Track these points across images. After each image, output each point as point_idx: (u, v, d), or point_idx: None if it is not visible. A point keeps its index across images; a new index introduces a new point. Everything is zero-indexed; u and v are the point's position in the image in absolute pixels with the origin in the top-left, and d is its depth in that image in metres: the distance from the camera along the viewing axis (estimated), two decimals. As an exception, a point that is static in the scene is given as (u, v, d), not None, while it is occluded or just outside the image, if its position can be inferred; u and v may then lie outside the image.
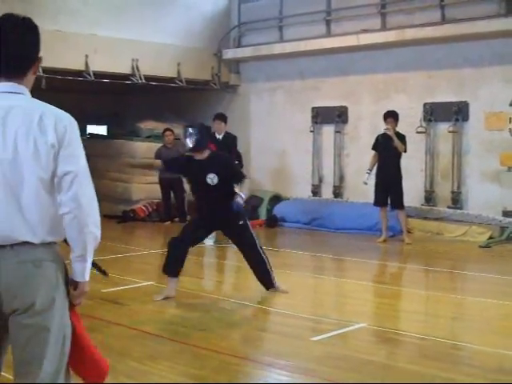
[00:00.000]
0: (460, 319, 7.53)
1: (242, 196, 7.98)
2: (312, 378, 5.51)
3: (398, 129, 12.63)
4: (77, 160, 3.18)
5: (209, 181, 7.76)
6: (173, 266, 8.03)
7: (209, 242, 11.87)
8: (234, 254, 11.46)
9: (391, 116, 12.15)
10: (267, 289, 8.10)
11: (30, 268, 3.14)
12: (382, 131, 12.14)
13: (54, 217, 3.18)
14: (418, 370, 5.55)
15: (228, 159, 8.63)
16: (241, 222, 8.00)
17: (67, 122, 3.21)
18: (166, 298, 7.84)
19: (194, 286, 8.74)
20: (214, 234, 12.15)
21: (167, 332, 6.63)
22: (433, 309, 8.01)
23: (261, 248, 8.14)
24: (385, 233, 12.26)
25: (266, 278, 8.13)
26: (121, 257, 10.88)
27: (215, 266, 10.95)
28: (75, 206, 3.16)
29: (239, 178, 8.18)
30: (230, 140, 12.13)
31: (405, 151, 12.07)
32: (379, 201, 12.18)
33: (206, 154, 7.91)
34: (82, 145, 3.25)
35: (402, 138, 12.08)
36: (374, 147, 12.30)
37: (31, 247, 3.14)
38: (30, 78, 3.38)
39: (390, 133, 11.96)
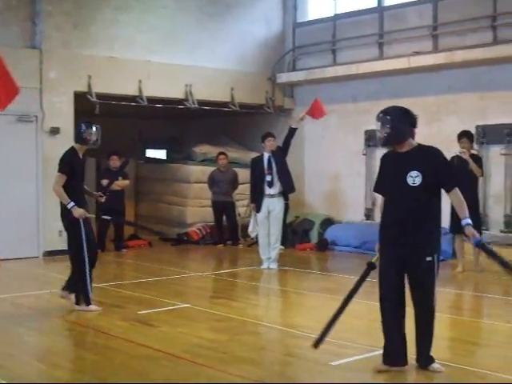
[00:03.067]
0: (486, 345, 7.33)
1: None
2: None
3: (451, 152, 12.39)
4: None
5: (409, 180, 6.00)
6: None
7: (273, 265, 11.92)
8: (271, 275, 11.55)
9: (465, 136, 11.40)
10: (426, 364, 6.07)
11: None
12: (456, 153, 11.33)
13: None
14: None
15: (440, 153, 6.14)
16: (428, 259, 6.01)
17: None
18: None
19: (227, 309, 8.72)
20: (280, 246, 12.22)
21: (189, 354, 6.62)
22: (463, 335, 7.83)
23: (435, 306, 6.09)
24: (461, 262, 11.52)
25: (426, 350, 6.09)
26: (165, 279, 10.98)
27: (253, 289, 10.84)
28: None
29: (455, 182, 6.17)
30: (281, 151, 12.05)
31: (482, 175, 11.43)
32: (455, 228, 11.18)
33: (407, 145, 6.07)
34: None
35: (478, 160, 11.34)
36: None
37: None
38: None
39: (466, 156, 11.11)
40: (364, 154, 14.82)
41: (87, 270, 8.47)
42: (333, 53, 15.67)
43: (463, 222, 5.96)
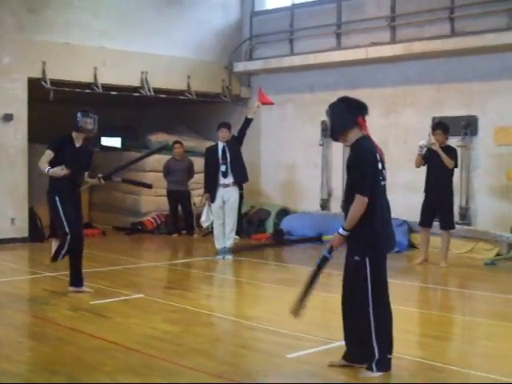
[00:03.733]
0: (446, 339, 7.33)
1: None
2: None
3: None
4: None
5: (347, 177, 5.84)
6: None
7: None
8: (226, 265, 11.47)
9: (439, 128, 11.19)
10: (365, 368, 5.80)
11: None
12: (423, 144, 11.25)
13: None
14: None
15: (359, 150, 5.72)
16: (356, 258, 5.74)
17: None
18: None
19: (182, 300, 8.62)
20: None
21: (143, 346, 6.52)
22: (420, 327, 7.84)
23: (373, 307, 5.69)
24: (425, 255, 11.39)
25: (364, 355, 5.79)
26: (119, 269, 10.83)
27: (207, 279, 10.74)
28: None
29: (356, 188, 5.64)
30: (236, 141, 11.92)
31: (456, 166, 11.23)
32: (426, 221, 11.28)
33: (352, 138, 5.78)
34: None
35: (451, 151, 11.12)
36: (424, 162, 11.28)
37: None
38: None
39: (436, 147, 10.96)
40: (321, 145, 14.79)
41: (67, 242, 8.47)
42: (290, 42, 15.59)
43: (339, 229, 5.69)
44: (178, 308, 8.19)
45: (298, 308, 5.89)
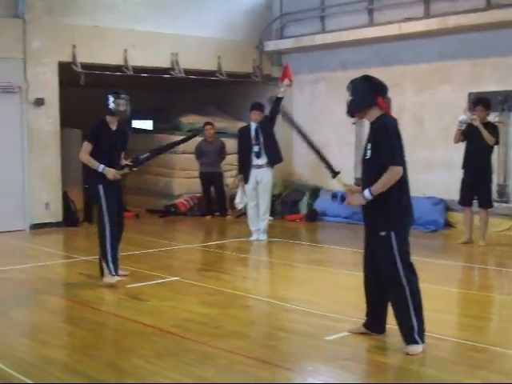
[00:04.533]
0: (486, 319, 7.18)
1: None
2: (317, 379, 5.32)
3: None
4: None
5: (367, 153, 5.90)
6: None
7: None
8: (261, 247, 11.39)
9: (481, 103, 10.88)
10: (407, 343, 5.77)
11: None
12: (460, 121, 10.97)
13: None
14: (432, 374, 5.29)
15: (385, 124, 5.81)
16: (382, 234, 5.81)
17: None
18: None
19: (218, 282, 8.56)
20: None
21: (180, 329, 6.46)
22: (459, 307, 7.70)
23: (407, 282, 5.72)
24: (468, 235, 11.13)
25: (404, 328, 5.78)
26: (153, 251, 10.80)
27: (243, 261, 10.63)
28: None
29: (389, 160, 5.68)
30: (268, 121, 11.74)
31: (496, 143, 10.97)
32: (465, 199, 11.04)
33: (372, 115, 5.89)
34: None
35: (493, 128, 10.87)
36: (464, 138, 10.99)
37: None
38: None
39: (477, 123, 10.67)
40: (353, 123, 14.58)
41: (107, 240, 8.25)
42: (321, 20, 15.36)
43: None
44: (214, 290, 8.12)
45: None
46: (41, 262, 10.11)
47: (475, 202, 11.15)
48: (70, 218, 13.38)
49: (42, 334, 6.55)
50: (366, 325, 6.22)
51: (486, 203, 11.01)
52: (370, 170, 5.83)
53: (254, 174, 11.61)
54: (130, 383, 5.14)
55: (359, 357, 5.74)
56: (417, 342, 5.70)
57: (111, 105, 8.34)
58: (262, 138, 11.54)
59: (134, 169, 8.76)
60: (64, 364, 5.59)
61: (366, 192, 5.72)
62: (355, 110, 5.99)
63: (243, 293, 8.12)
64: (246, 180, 11.70)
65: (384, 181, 5.64)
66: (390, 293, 5.87)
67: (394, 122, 5.86)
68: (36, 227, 12.90)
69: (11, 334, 6.50)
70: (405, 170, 5.79)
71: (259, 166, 11.59)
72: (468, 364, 5.53)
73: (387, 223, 5.77)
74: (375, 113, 5.83)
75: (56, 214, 13.22)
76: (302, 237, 12.90)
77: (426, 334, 5.81)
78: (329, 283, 8.65)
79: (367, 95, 5.84)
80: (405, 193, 5.81)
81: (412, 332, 5.71)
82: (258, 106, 11.75)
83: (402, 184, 5.76)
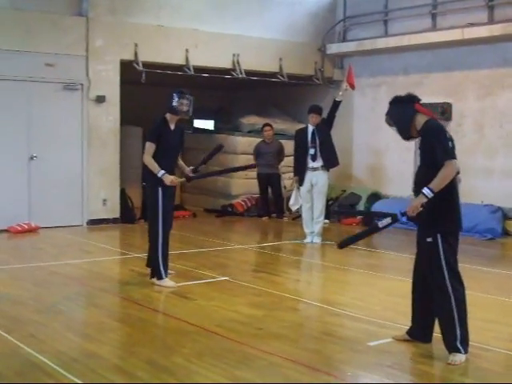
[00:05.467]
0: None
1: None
2: (355, 386, 5.29)
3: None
4: None
5: (419, 159, 5.96)
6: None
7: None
8: (314, 250, 11.34)
9: None
10: (449, 352, 5.67)
11: None
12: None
13: None
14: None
15: (431, 126, 5.75)
16: (429, 240, 5.77)
17: None
18: None
19: (267, 284, 8.54)
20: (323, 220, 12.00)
21: (223, 329, 6.47)
22: (509, 318, 7.53)
23: (453, 290, 5.66)
24: None
25: (448, 337, 5.71)
26: (207, 251, 10.84)
27: (295, 263, 10.63)
28: None
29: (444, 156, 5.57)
30: (325, 124, 11.70)
31: None
32: None
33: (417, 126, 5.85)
34: None
35: None
36: None
37: None
38: None
39: None
40: (415, 128, 14.43)
41: (160, 242, 8.24)
42: (384, 23, 15.27)
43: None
44: (262, 292, 8.11)
45: (345, 243, 6.22)
46: (95, 257, 10.26)
47: None
48: (126, 215, 13.55)
49: (87, 329, 6.65)
50: (409, 332, 6.15)
51: None
52: (422, 175, 5.75)
53: (309, 176, 11.58)
54: (167, 383, 5.15)
55: (400, 364, 5.65)
56: (460, 352, 5.61)
57: (175, 103, 8.16)
58: (318, 141, 11.50)
59: (191, 180, 8.73)
60: (105, 359, 5.63)
61: (425, 190, 5.56)
62: (406, 133, 5.96)
63: (292, 295, 8.10)
64: (301, 182, 11.68)
65: (442, 175, 5.51)
66: (436, 300, 5.80)
67: (440, 125, 5.79)
68: (93, 223, 13.09)
69: (57, 327, 6.58)
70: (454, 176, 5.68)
71: (314, 169, 11.56)
72: (510, 375, 5.42)
73: (434, 229, 5.70)
74: (420, 120, 5.77)
75: (113, 210, 13.40)
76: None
77: (472, 343, 5.73)
78: (380, 289, 8.56)
79: (404, 109, 5.87)
80: (454, 199, 5.74)
81: (455, 341, 5.62)
82: (316, 109, 11.71)
83: (452, 189, 5.68)
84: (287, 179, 14.93)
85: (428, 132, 5.71)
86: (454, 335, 5.64)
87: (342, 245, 6.19)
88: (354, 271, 9.92)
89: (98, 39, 13.05)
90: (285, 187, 14.96)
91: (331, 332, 6.60)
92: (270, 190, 14.94)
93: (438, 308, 5.79)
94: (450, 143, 5.64)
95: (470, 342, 5.71)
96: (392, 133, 15.20)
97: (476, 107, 13.46)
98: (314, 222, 11.73)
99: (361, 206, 14.52)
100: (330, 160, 11.67)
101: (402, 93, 6.09)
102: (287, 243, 12.16)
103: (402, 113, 5.87)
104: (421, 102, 5.89)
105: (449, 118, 13.82)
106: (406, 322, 6.32)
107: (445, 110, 13.77)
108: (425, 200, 5.58)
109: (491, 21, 13.08)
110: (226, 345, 6.05)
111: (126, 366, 5.47)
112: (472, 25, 13.17)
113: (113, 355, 5.80)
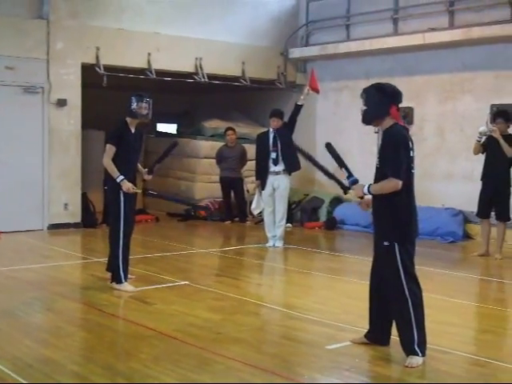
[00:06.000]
0: (496, 333, 7.05)
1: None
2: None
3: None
4: None
5: (377, 161, 5.94)
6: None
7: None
8: (276, 253, 11.34)
9: (501, 116, 10.81)
10: (407, 355, 5.70)
11: None
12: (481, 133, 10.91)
13: None
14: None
15: (394, 135, 5.79)
16: (386, 243, 5.81)
17: None
18: None
19: (228, 288, 8.52)
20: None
21: (182, 334, 6.44)
22: (470, 321, 7.59)
23: (410, 294, 5.69)
24: (485, 248, 11.02)
25: (405, 340, 5.74)
26: (169, 255, 10.80)
27: (257, 267, 10.62)
28: None
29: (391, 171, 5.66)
30: (287, 128, 11.71)
31: None
32: (483, 212, 10.95)
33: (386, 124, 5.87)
34: None
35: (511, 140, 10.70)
36: (483, 150, 10.94)
37: None
38: None
39: (496, 135, 10.53)
40: (376, 132, 14.45)
41: (120, 246, 8.19)
42: (347, 28, 15.34)
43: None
44: (223, 296, 8.09)
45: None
46: (54, 262, 10.17)
47: (493, 214, 11.03)
48: (88, 219, 13.45)
49: (44, 335, 6.58)
50: (367, 335, 6.17)
51: (503, 216, 10.89)
52: (379, 178, 5.80)
53: (271, 180, 11.60)
54: (122, 386, 5.13)
55: (357, 367, 5.66)
56: (417, 354, 5.63)
57: (134, 107, 8.13)
58: (279, 145, 11.52)
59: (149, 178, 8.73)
60: (61, 365, 5.57)
61: (366, 189, 5.83)
62: (370, 119, 5.99)
63: (253, 299, 8.08)
64: (263, 186, 11.69)
65: (382, 185, 5.69)
66: (393, 303, 5.82)
67: (404, 133, 5.82)
68: (54, 227, 12.98)
69: (14, 333, 6.50)
70: (411, 181, 5.76)
71: (276, 173, 11.58)
72: (467, 378, 5.46)
73: (391, 233, 5.74)
74: (389, 121, 5.81)
75: (75, 214, 13.30)
76: (319, 245, 12.83)
77: (431, 346, 5.76)
78: (341, 292, 8.59)
79: (381, 105, 5.81)
80: (410, 204, 5.79)
81: (413, 344, 5.64)
82: (277, 113, 11.73)
83: (408, 195, 5.73)
84: (250, 183, 14.93)
85: (390, 138, 5.76)
86: (411, 338, 5.66)
87: None
88: (315, 275, 9.94)
89: (58, 42, 12.94)
90: (247, 191, 14.95)
91: (291, 336, 6.59)
92: (232, 194, 14.92)
93: (395, 311, 5.82)
94: (411, 153, 5.71)
95: (428, 345, 5.74)
96: (354, 137, 15.38)
97: (437, 111, 13.57)
98: (276, 225, 11.74)
99: (323, 210, 14.55)
100: (292, 164, 11.68)
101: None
102: (250, 247, 12.16)
103: (377, 106, 5.82)
104: (400, 104, 5.89)
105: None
106: (365, 325, 6.32)
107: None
108: (361, 194, 5.94)
109: (452, 26, 13.20)
110: (184, 349, 6.02)
111: (83, 371, 5.43)
112: (433, 30, 13.29)
113: (69, 361, 5.73)
